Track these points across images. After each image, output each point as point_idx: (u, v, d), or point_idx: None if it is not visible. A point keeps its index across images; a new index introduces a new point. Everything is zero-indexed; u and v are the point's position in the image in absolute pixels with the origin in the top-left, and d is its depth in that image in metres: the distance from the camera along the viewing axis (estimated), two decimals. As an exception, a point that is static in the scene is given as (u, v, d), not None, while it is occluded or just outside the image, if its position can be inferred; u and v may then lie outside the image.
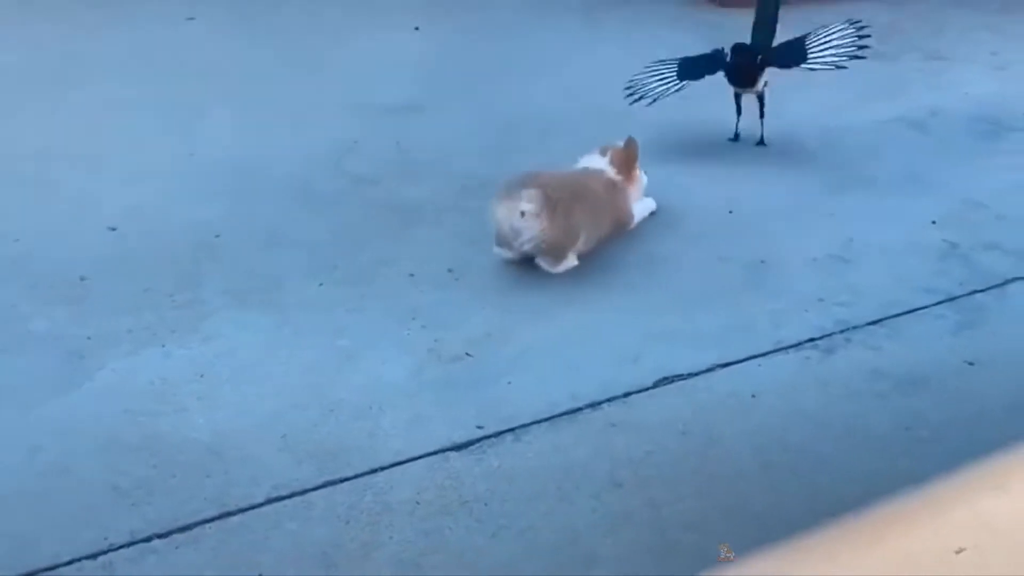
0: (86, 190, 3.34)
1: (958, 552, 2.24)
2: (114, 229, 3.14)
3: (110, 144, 3.70)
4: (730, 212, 3.59)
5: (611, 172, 3.40)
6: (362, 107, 4.15)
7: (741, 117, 4.07)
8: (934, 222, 3.60)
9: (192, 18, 4.92)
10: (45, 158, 3.64)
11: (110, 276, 2.92)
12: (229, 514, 2.15)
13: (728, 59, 3.92)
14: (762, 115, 4.05)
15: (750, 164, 3.94)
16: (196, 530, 2.10)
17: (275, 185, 3.48)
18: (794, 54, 3.96)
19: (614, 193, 3.37)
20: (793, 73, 4.26)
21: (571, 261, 3.19)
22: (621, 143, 3.47)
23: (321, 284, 2.97)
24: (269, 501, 2.19)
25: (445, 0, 5.57)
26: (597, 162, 3.43)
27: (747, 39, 4.06)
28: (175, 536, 2.09)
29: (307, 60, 4.61)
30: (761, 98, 4.02)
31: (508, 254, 3.13)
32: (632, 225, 3.46)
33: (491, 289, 3.02)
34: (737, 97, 4.04)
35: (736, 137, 4.08)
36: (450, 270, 3.07)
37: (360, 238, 3.22)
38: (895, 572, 2.17)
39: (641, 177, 3.52)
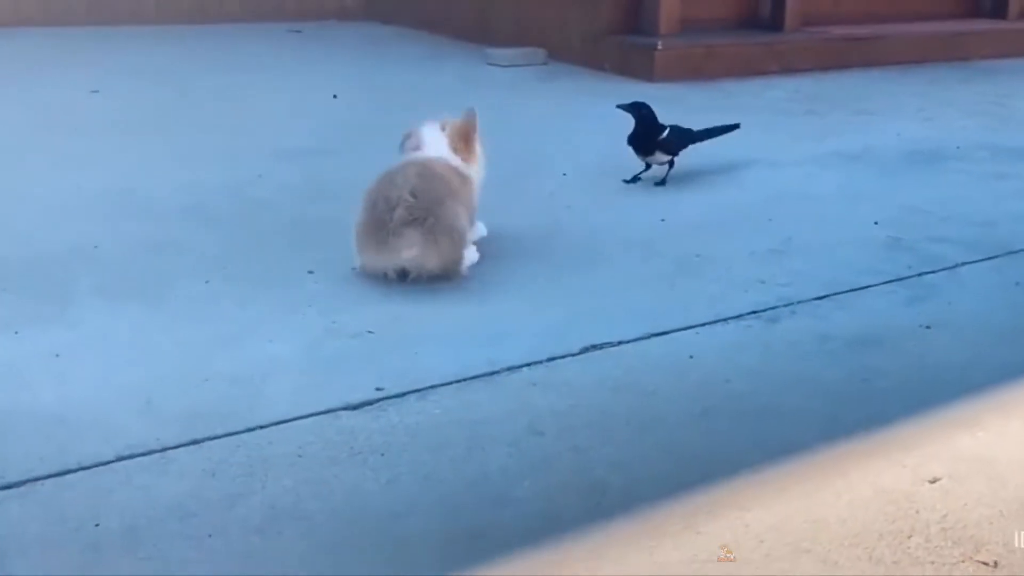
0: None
1: (933, 481, 1.93)
2: (-21, 243, 2.85)
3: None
4: (662, 220, 3.37)
5: (454, 158, 2.92)
6: (272, 151, 3.93)
7: (647, 170, 3.82)
8: (876, 223, 3.41)
9: (96, 91, 4.75)
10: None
11: (-34, 280, 2.60)
12: (68, 471, 1.79)
13: (635, 122, 3.74)
14: (670, 168, 3.82)
15: (682, 188, 3.75)
16: (25, 487, 1.74)
17: (166, 209, 3.20)
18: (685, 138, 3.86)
19: (465, 185, 2.94)
20: (724, 120, 4.18)
21: (472, 256, 2.87)
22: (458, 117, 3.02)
23: (208, 282, 2.66)
24: (120, 459, 1.84)
25: (373, 75, 5.47)
26: (438, 146, 2.91)
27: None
28: (-3, 493, 1.73)
29: (219, 120, 4.43)
30: (670, 164, 3.81)
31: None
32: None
33: (400, 283, 2.73)
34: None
35: (635, 179, 3.79)
36: (355, 268, 2.79)
37: (256, 246, 2.93)
38: (862, 503, 1.85)
39: (479, 153, 3.06)
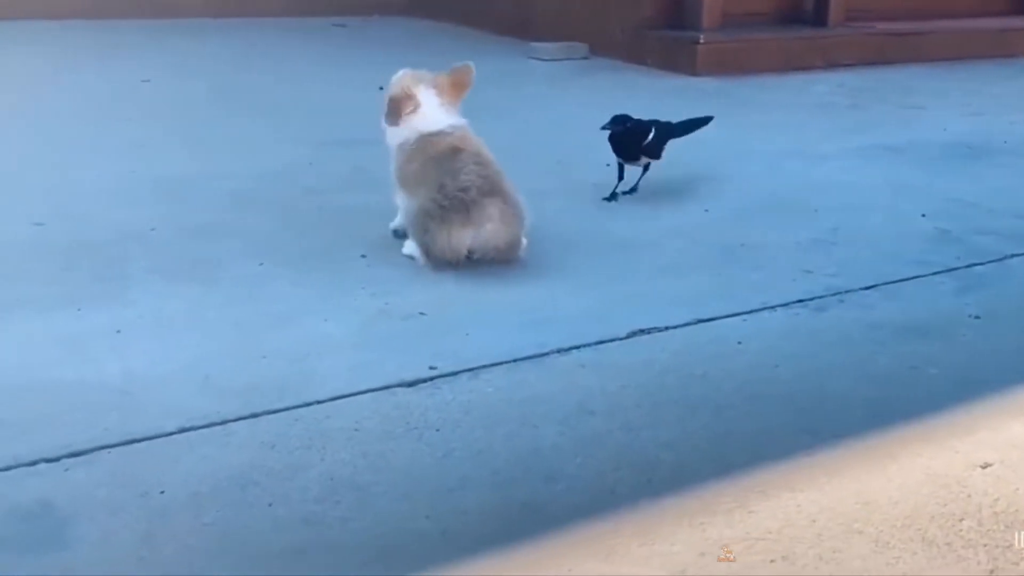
0: (17, 196, 3.15)
1: (984, 467, 1.93)
2: (40, 224, 2.90)
3: (53, 164, 3.54)
4: (706, 211, 3.38)
5: (464, 124, 2.89)
6: (320, 141, 3.98)
7: (622, 183, 3.52)
8: (923, 215, 3.40)
9: (147, 80, 4.83)
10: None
11: (27, 259, 2.66)
12: (133, 441, 1.84)
13: (610, 131, 3.47)
14: (644, 173, 3.55)
15: (725, 180, 3.76)
16: (92, 455, 1.79)
17: (218, 194, 3.26)
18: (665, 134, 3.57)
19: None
20: (768, 113, 4.15)
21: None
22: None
23: (261, 264, 2.71)
24: (182, 431, 1.88)
25: (416, 68, 5.49)
26: (444, 114, 2.88)
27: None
28: (65, 460, 1.77)
29: (267, 110, 4.49)
30: (646, 167, 3.55)
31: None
32: None
33: (452, 267, 2.76)
34: (620, 166, 3.53)
35: (613, 197, 3.48)
36: (411, 256, 2.80)
37: (308, 231, 2.97)
38: (914, 486, 1.86)
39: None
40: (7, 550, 1.57)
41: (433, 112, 2.89)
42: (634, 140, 3.49)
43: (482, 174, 2.74)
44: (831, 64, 6.34)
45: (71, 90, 4.73)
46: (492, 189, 2.73)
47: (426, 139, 2.84)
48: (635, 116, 3.50)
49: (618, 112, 3.51)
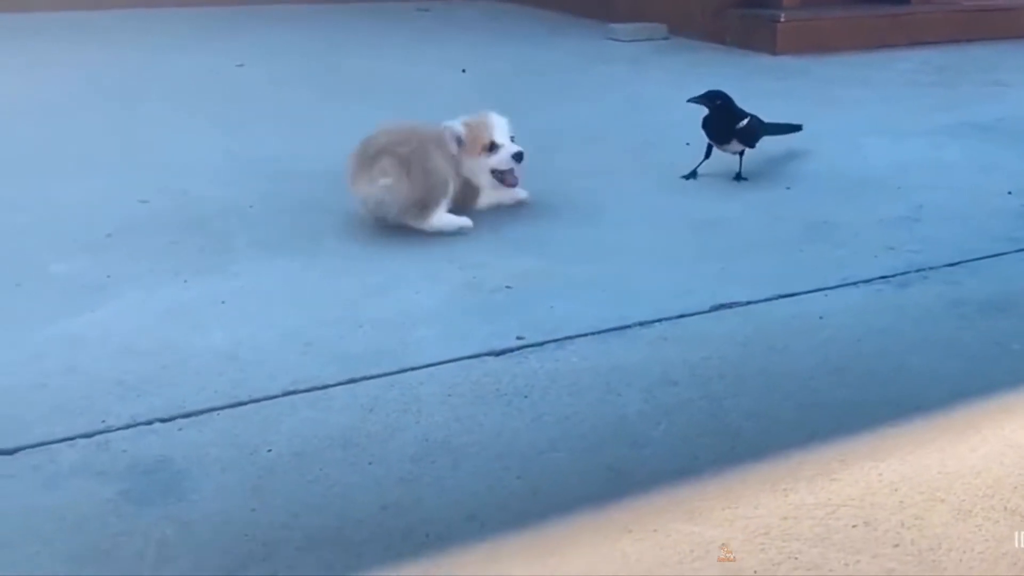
0: (123, 175, 3.32)
1: (1071, 440, 1.95)
2: (145, 202, 3.05)
3: (155, 145, 3.72)
4: (787, 188, 3.40)
5: (459, 133, 3.04)
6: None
7: (706, 161, 3.50)
8: (1010, 192, 3.38)
9: (241, 64, 5.00)
10: (93, 150, 3.65)
11: (136, 234, 2.81)
12: (240, 403, 1.95)
13: (707, 109, 3.46)
14: (741, 159, 3.52)
15: (806, 158, 3.76)
16: (203, 416, 1.91)
17: (311, 172, 3.38)
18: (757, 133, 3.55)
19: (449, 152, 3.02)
20: (850, 91, 4.12)
21: (460, 219, 2.92)
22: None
23: (356, 239, 2.82)
24: (286, 393, 1.99)
25: (498, 50, 5.60)
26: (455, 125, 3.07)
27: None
28: (179, 420, 1.89)
29: (355, 91, 4.63)
30: (741, 154, 3.51)
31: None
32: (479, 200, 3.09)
33: (536, 241, 2.84)
34: (709, 147, 3.51)
35: (692, 175, 3.47)
36: (494, 231, 2.91)
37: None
38: (997, 457, 1.88)
39: (500, 153, 3.06)
40: (130, 502, 1.69)
41: None
42: (727, 122, 3.46)
43: (402, 131, 2.92)
44: (914, 42, 6.25)
45: (170, 75, 4.92)
46: (402, 144, 2.85)
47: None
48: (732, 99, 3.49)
49: (711, 88, 3.51)
